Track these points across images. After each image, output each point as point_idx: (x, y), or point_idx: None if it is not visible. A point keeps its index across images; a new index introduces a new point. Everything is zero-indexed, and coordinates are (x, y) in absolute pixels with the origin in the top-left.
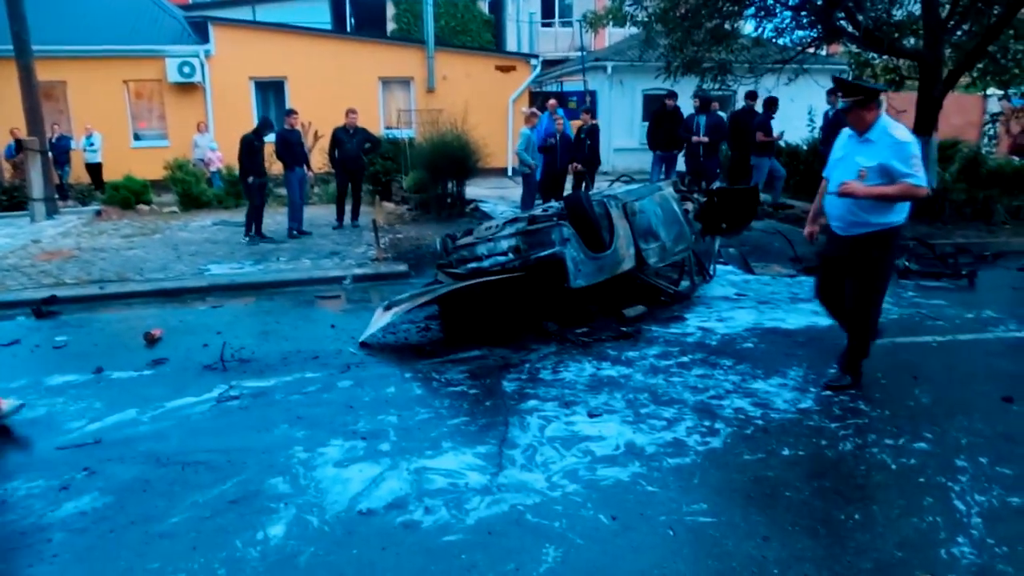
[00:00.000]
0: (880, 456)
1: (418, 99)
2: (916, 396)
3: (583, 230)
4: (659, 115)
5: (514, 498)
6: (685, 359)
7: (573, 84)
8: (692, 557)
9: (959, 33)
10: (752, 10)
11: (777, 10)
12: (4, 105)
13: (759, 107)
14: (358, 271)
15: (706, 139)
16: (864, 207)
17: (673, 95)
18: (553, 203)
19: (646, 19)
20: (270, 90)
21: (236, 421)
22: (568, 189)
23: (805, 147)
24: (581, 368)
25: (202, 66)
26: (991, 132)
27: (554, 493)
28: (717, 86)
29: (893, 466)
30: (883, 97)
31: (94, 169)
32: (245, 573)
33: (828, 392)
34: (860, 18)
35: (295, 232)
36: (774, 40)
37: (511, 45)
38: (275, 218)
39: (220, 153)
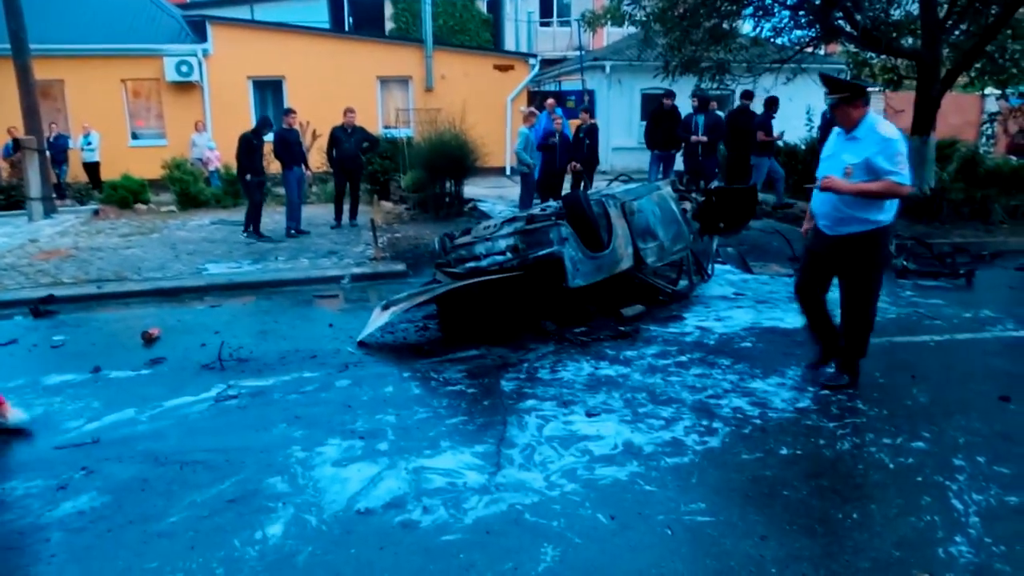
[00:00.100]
0: (878, 455)
1: (416, 98)
2: (914, 395)
3: (581, 229)
4: (657, 114)
5: (512, 497)
6: (683, 358)
7: (571, 83)
8: (690, 556)
9: (957, 33)
10: (750, 9)
11: (775, 9)
12: (2, 104)
13: (754, 106)
14: (356, 270)
15: (705, 139)
16: (849, 204)
17: (671, 94)
18: (551, 202)
19: (644, 18)
20: (268, 89)
21: (234, 420)
22: (566, 188)
23: (803, 147)
24: (579, 367)
25: (200, 65)
26: (989, 132)
27: (552, 492)
28: (715, 85)
29: (891, 465)
30: (875, 94)
31: (92, 168)
32: (243, 572)
33: (826, 391)
34: (858, 18)
35: (293, 231)
36: (772, 40)
37: (509, 44)
38: (273, 217)
39: (219, 152)
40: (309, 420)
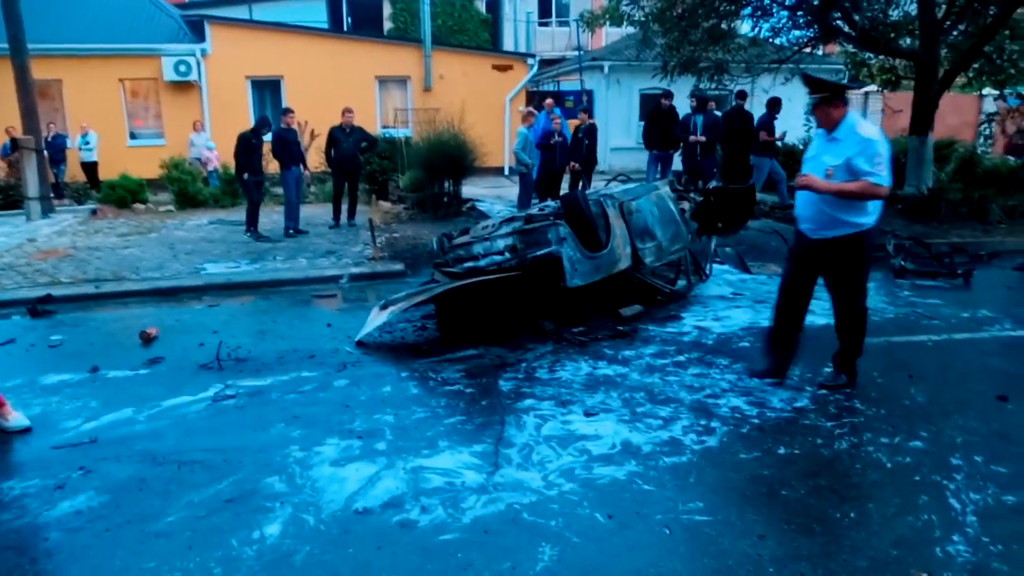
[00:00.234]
0: (876, 455)
1: (415, 98)
2: (911, 395)
3: (579, 229)
4: (655, 114)
5: (510, 497)
6: (681, 358)
7: (570, 83)
8: (688, 556)
9: (955, 33)
10: (749, 10)
11: (774, 10)
12: (0, 104)
13: (755, 107)
14: (354, 270)
15: (703, 139)
16: (833, 206)
17: (668, 94)
18: (550, 202)
19: (643, 19)
20: (267, 89)
21: (232, 420)
22: (565, 188)
23: (801, 147)
24: (577, 367)
25: (198, 65)
26: (987, 132)
27: (550, 492)
28: (714, 86)
29: (888, 465)
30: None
31: (90, 168)
32: (241, 572)
33: (824, 391)
34: (856, 18)
35: (291, 231)
36: (771, 40)
37: (508, 44)
38: (271, 217)
39: (217, 152)
40: (307, 420)
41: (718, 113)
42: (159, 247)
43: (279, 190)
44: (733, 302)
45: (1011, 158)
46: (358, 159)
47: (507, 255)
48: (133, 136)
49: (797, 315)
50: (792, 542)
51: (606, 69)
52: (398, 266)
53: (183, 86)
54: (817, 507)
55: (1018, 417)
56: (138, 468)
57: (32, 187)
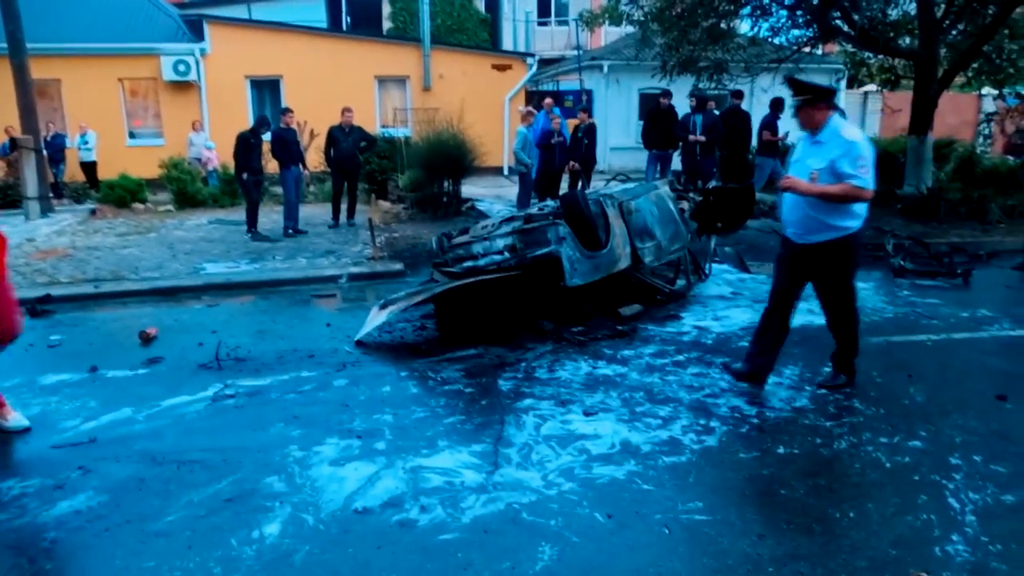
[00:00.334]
0: (875, 454)
1: (414, 98)
2: (911, 394)
3: (579, 229)
4: (654, 114)
5: (510, 496)
6: (681, 358)
7: (569, 83)
8: (688, 555)
9: (954, 33)
10: (748, 9)
11: (773, 9)
12: None
13: (755, 108)
14: (354, 270)
15: (703, 138)
16: (817, 209)
17: (667, 93)
18: (549, 202)
19: (642, 18)
20: (266, 88)
21: (231, 420)
22: (564, 188)
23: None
24: (577, 367)
25: (197, 64)
26: (986, 132)
27: (550, 491)
28: (713, 85)
29: (888, 464)
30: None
31: (89, 167)
32: (240, 572)
33: (823, 391)
34: (856, 17)
35: (291, 231)
36: (770, 39)
37: (507, 44)
38: (271, 216)
39: (216, 151)
40: (306, 419)
41: (717, 112)
42: (158, 247)
43: (278, 190)
44: (732, 302)
45: (1010, 158)
46: (357, 159)
47: (506, 255)
48: (132, 136)
49: (783, 318)
50: (791, 542)
51: (605, 68)
52: (397, 266)
53: (182, 86)
54: (816, 507)
55: (1017, 417)
56: (137, 468)
57: (31, 187)
